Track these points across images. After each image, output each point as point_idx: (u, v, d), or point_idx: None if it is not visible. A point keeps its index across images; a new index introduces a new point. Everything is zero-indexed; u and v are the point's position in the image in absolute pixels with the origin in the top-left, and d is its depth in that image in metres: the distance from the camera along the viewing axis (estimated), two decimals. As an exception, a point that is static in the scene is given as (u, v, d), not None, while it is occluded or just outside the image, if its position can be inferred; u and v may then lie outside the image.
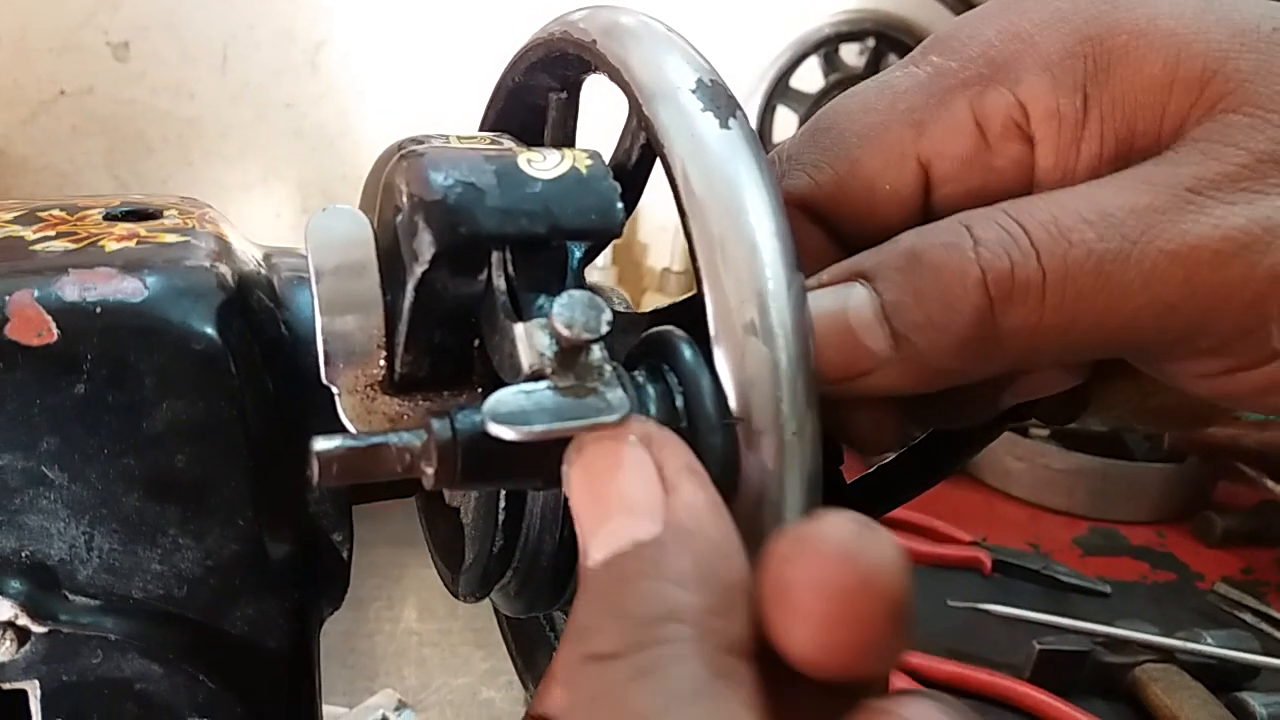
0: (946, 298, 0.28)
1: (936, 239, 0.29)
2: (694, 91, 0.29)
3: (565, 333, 0.26)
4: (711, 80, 0.29)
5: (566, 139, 0.36)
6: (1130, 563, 1.04)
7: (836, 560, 0.22)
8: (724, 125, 0.28)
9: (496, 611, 0.42)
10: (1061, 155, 0.31)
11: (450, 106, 1.16)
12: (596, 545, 0.24)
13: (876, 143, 0.32)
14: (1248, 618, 0.95)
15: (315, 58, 1.19)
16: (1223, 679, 0.82)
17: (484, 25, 1.16)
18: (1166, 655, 0.83)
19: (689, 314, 0.29)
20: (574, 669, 0.23)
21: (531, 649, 0.42)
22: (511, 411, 0.26)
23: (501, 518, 0.33)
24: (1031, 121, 0.31)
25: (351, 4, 1.17)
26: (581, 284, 0.32)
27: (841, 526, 0.22)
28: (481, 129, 0.38)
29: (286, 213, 1.23)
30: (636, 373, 0.28)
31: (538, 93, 0.36)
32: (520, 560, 0.34)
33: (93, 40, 1.14)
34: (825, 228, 0.34)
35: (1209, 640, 0.84)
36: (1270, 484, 1.06)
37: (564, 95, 0.36)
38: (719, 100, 0.29)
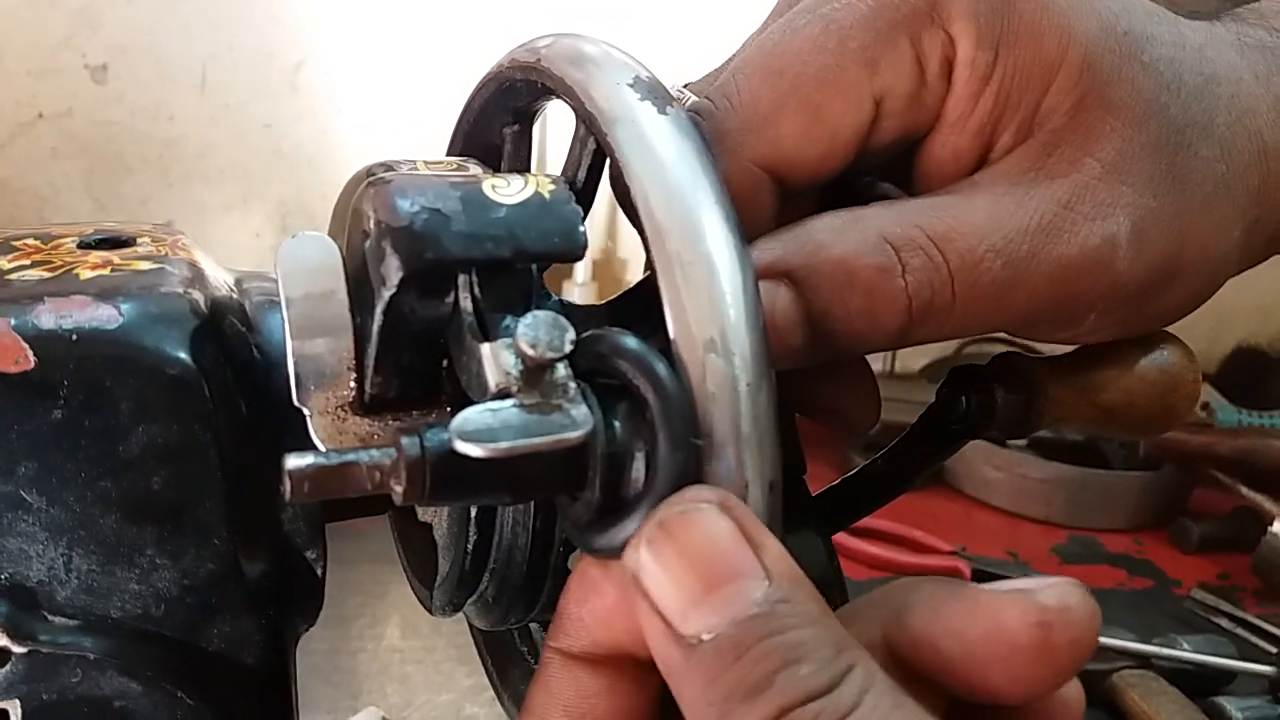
0: (875, 319, 0.31)
1: (869, 259, 0.31)
2: (632, 86, 0.30)
3: (530, 352, 0.27)
4: (649, 76, 0.31)
5: (521, 169, 0.37)
6: (1108, 570, 1.05)
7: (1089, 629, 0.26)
8: (661, 112, 0.30)
9: (472, 628, 0.42)
10: (965, 105, 0.33)
11: (427, 125, 1.16)
12: (704, 615, 0.25)
13: (835, 85, 0.32)
14: (1224, 623, 0.96)
15: (294, 78, 1.19)
16: (1199, 684, 0.83)
17: (460, 45, 1.17)
18: (1144, 661, 0.84)
19: (642, 300, 0.31)
20: None
21: (506, 664, 0.42)
22: (478, 429, 0.26)
23: (474, 513, 0.34)
24: (955, 66, 0.32)
25: (330, 25, 1.18)
26: (544, 295, 0.32)
27: (1084, 605, 0.27)
28: (448, 157, 0.39)
29: (266, 232, 1.24)
30: (602, 382, 0.28)
31: (492, 131, 0.37)
32: (496, 560, 0.34)
33: (71, 62, 1.14)
34: (779, 179, 0.34)
35: (1186, 646, 0.85)
36: (1245, 490, 1.07)
37: (516, 127, 0.37)
38: (658, 92, 0.30)
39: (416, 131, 1.18)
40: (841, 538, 0.99)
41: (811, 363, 0.32)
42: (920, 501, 1.12)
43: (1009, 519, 1.12)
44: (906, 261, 0.31)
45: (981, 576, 0.99)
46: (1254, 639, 0.94)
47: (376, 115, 1.21)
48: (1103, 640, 0.84)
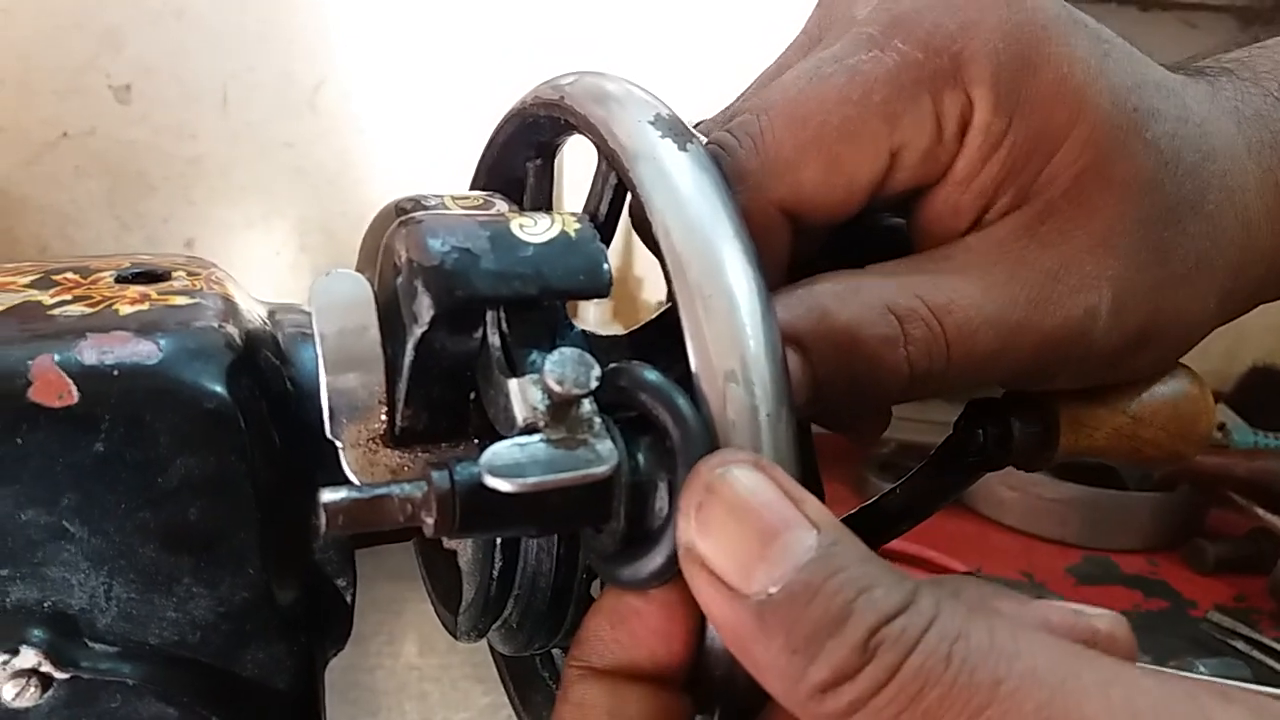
0: (878, 384, 0.33)
1: (874, 330, 0.32)
2: (653, 123, 0.31)
3: (556, 388, 0.28)
4: (669, 114, 0.32)
5: (544, 203, 0.38)
6: (1123, 591, 1.05)
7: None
8: (682, 149, 0.31)
9: (494, 652, 0.43)
10: (973, 167, 0.33)
11: (445, 145, 1.17)
12: (767, 569, 0.26)
13: (857, 137, 0.33)
14: (1240, 645, 0.96)
15: (314, 98, 1.21)
16: (1214, 707, 0.82)
17: (478, 66, 1.18)
18: (1158, 683, 0.83)
19: (664, 331, 0.31)
20: (849, 661, 0.25)
21: (528, 689, 0.43)
22: (507, 464, 0.27)
23: (499, 541, 0.35)
24: (970, 128, 0.33)
25: (349, 45, 1.19)
26: (568, 325, 0.33)
27: (1129, 640, 0.29)
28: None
29: (287, 250, 1.25)
30: (622, 414, 0.29)
31: (515, 164, 0.38)
32: (520, 586, 0.35)
33: (95, 83, 1.16)
34: (795, 219, 0.35)
35: (1201, 669, 0.84)
36: (1261, 512, 1.07)
37: (539, 162, 0.38)
38: (678, 129, 0.31)
39: (435, 151, 1.19)
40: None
41: (808, 420, 0.34)
42: (935, 522, 1.10)
43: (1024, 539, 1.12)
44: (909, 332, 0.32)
45: (996, 597, 0.99)
46: (1270, 662, 0.93)
47: (395, 134, 1.22)
48: (1118, 662, 0.84)
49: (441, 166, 1.15)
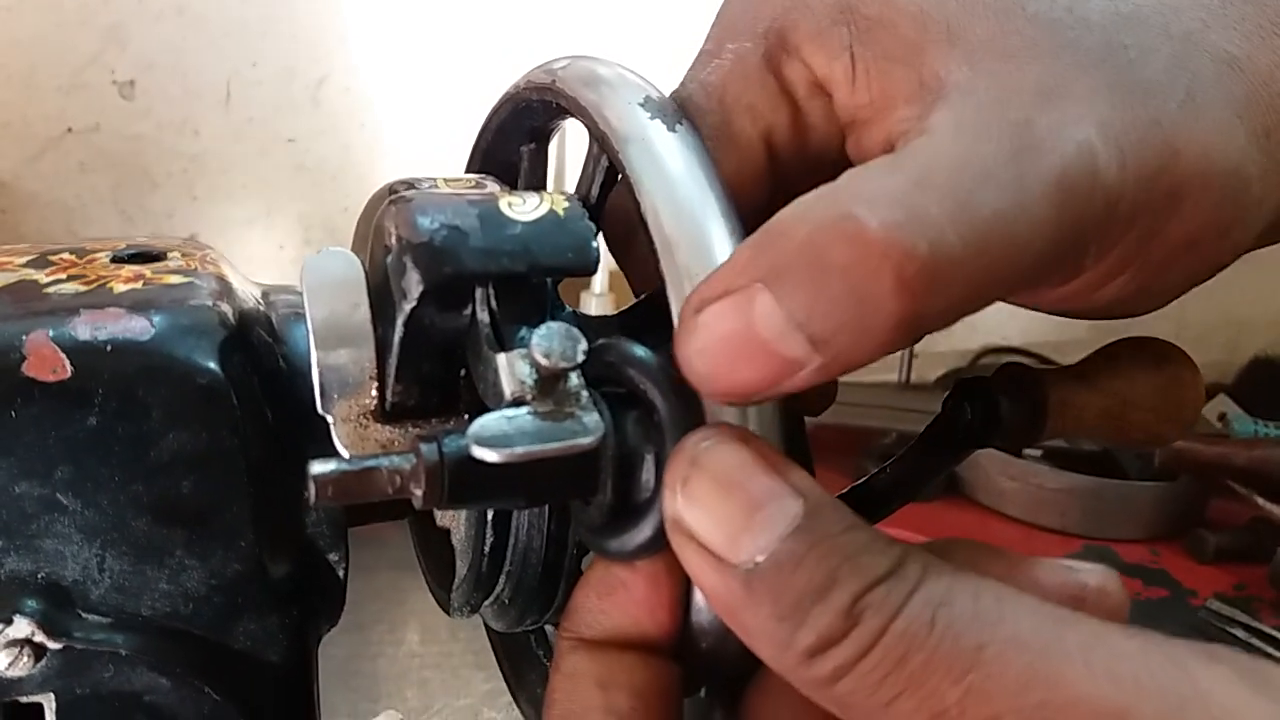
0: (867, 301, 0.25)
1: (837, 231, 0.26)
2: (643, 105, 0.32)
3: (544, 362, 0.29)
4: (659, 96, 0.32)
5: (538, 187, 0.38)
6: (1124, 580, 1.05)
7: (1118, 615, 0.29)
8: (670, 129, 0.31)
9: (489, 632, 0.44)
10: (847, 106, 0.33)
11: (448, 139, 1.18)
12: (753, 538, 0.26)
13: (727, 140, 0.33)
14: (1240, 634, 0.96)
15: (317, 94, 1.21)
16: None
17: (482, 60, 1.18)
18: (1157, 671, 0.84)
19: (653, 311, 0.32)
20: (835, 626, 0.25)
21: (522, 667, 0.43)
22: (494, 435, 0.28)
23: (490, 517, 0.35)
24: (823, 82, 0.33)
25: (352, 41, 1.19)
26: (559, 306, 0.34)
27: (1119, 593, 0.30)
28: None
29: (289, 245, 1.25)
30: (609, 389, 0.30)
31: (509, 149, 0.38)
32: (511, 562, 0.36)
33: (99, 79, 1.16)
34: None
35: (1200, 656, 0.85)
36: (1261, 501, 1.07)
37: (533, 146, 0.38)
38: (667, 111, 0.32)
39: (438, 145, 1.20)
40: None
41: (830, 378, 0.27)
42: (935, 512, 1.12)
43: (1024, 529, 1.12)
44: (884, 218, 0.25)
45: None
46: (1270, 650, 0.93)
47: (398, 130, 1.23)
48: (1117, 650, 0.85)
49: (444, 161, 1.15)
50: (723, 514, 0.26)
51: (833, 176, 0.29)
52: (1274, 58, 0.32)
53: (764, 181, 0.34)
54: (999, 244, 0.27)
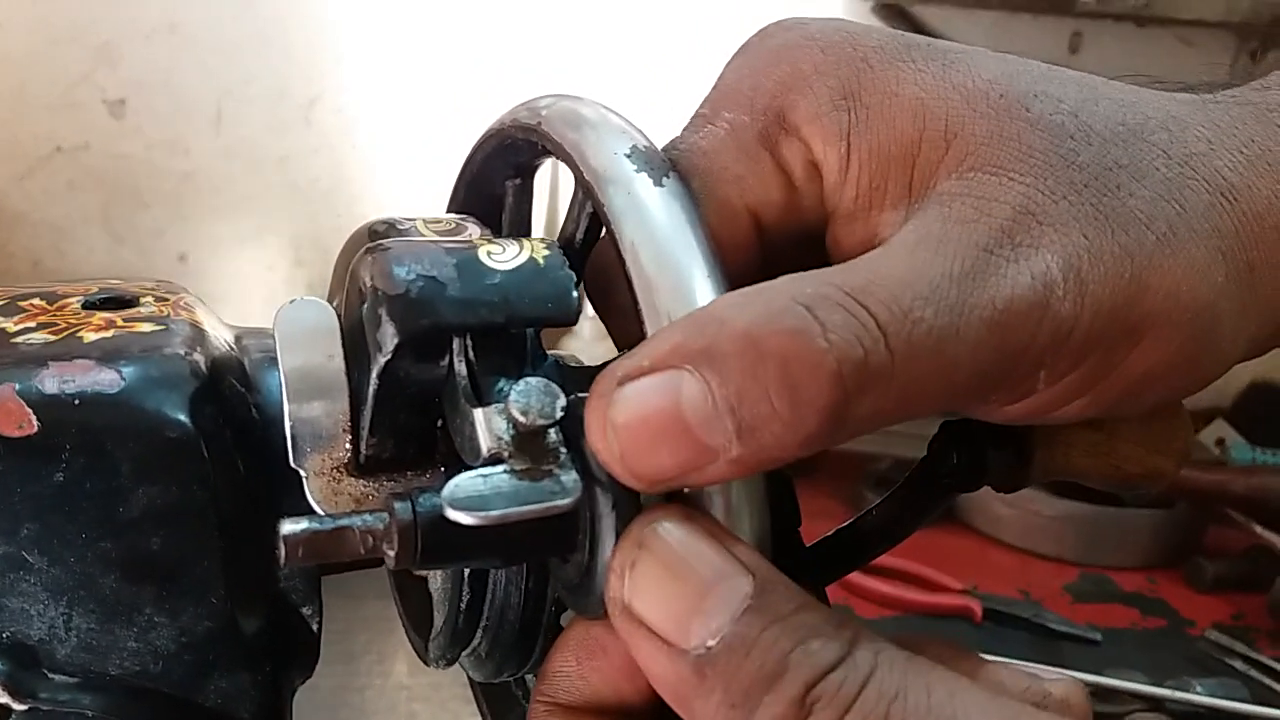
0: (798, 393, 0.26)
1: (778, 325, 0.26)
2: (629, 156, 0.31)
3: (521, 419, 0.28)
4: (645, 144, 0.31)
5: (523, 223, 0.38)
6: (1121, 609, 1.04)
7: None
8: (657, 184, 0.30)
9: (470, 678, 0.43)
10: (835, 196, 0.33)
11: (438, 159, 1.17)
12: (704, 622, 0.26)
13: (713, 204, 0.33)
14: (1238, 664, 0.95)
15: (308, 113, 1.21)
16: (1211, 728, 0.82)
17: (474, 81, 1.18)
18: (1156, 705, 0.83)
19: None
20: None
21: (500, 709, 0.43)
22: (469, 497, 0.27)
23: (467, 572, 0.34)
24: (818, 165, 0.33)
25: (344, 61, 1.19)
26: (540, 355, 0.33)
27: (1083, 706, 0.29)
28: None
29: (280, 265, 1.25)
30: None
31: (494, 182, 0.38)
32: (489, 617, 0.35)
33: (89, 97, 1.16)
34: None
35: (1199, 689, 0.84)
36: (1259, 529, 1.07)
37: (519, 181, 0.37)
38: (653, 162, 0.31)
39: (428, 166, 1.19)
40: (853, 576, 0.99)
41: (739, 475, 0.28)
42: (931, 539, 1.12)
43: (1021, 556, 1.12)
44: (825, 320, 0.26)
45: (993, 615, 0.99)
46: (1268, 681, 0.93)
47: (390, 149, 1.22)
48: (1115, 682, 0.84)
49: (435, 180, 1.15)
50: (672, 598, 0.26)
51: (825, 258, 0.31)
52: (1276, 186, 0.32)
53: (751, 253, 0.34)
54: (930, 360, 0.27)
